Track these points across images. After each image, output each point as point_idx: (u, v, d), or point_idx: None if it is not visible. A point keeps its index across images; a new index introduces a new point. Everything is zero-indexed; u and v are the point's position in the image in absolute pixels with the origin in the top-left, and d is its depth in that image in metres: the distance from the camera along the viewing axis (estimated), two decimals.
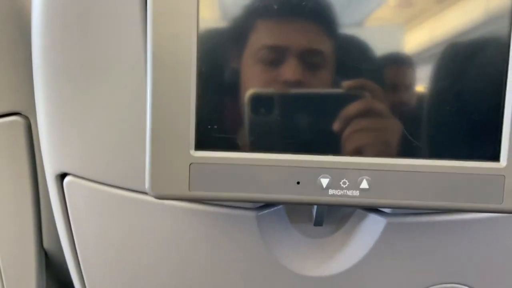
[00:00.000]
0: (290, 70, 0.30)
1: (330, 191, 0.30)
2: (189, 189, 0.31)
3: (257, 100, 0.31)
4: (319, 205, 0.31)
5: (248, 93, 0.30)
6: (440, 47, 0.30)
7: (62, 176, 0.40)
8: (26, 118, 0.45)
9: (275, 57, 0.30)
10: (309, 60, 0.30)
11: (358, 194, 0.30)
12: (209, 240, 0.41)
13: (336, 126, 0.30)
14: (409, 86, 0.30)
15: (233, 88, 0.31)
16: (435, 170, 0.30)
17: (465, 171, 0.30)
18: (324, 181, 0.30)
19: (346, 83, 0.30)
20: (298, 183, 0.31)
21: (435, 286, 0.43)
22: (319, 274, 0.43)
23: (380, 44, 0.30)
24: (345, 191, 0.30)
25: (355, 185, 0.30)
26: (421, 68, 0.30)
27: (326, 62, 0.30)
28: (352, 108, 0.30)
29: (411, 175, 0.30)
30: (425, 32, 0.30)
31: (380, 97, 0.30)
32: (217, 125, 0.31)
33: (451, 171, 0.30)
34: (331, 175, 0.30)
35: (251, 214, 0.40)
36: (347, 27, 0.30)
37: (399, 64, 0.30)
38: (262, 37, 0.30)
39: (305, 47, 0.30)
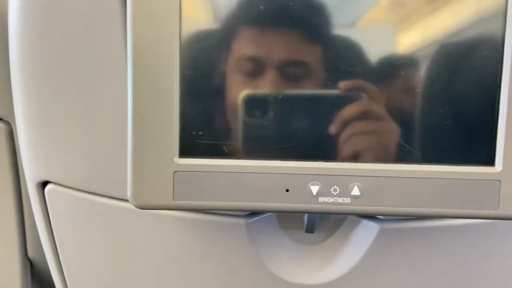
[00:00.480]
0: (268, 83, 0.29)
1: (321, 199, 0.29)
2: (173, 198, 0.30)
3: (245, 105, 0.29)
4: (309, 213, 0.30)
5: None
6: (433, 48, 0.29)
7: (44, 184, 0.38)
8: (7, 123, 0.44)
9: (254, 68, 0.29)
10: (290, 71, 0.29)
11: (350, 201, 0.29)
12: (196, 248, 0.40)
13: (323, 131, 0.29)
14: (401, 89, 0.29)
15: (218, 93, 0.29)
16: (429, 175, 0.29)
17: (459, 176, 0.29)
18: (314, 189, 0.29)
19: (341, 85, 0.29)
20: (287, 190, 0.29)
21: None
22: (311, 282, 0.42)
23: (372, 46, 0.29)
24: (335, 198, 0.29)
25: (346, 192, 0.29)
26: (414, 70, 0.29)
27: (309, 72, 0.29)
28: (345, 111, 0.29)
29: (404, 181, 0.29)
30: (418, 33, 0.29)
31: (372, 100, 0.29)
32: (202, 131, 0.30)
33: (445, 176, 0.29)
34: (321, 182, 0.29)
35: (240, 221, 0.38)
36: (339, 29, 0.28)
37: (391, 66, 0.29)
38: (242, 46, 0.29)
39: (286, 59, 0.29)
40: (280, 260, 0.41)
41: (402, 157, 0.29)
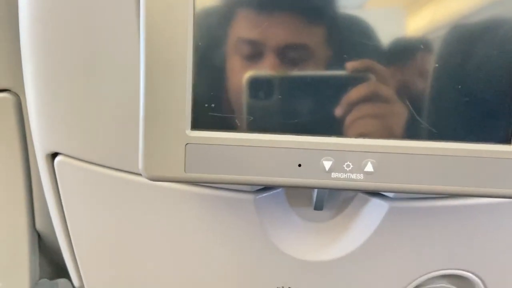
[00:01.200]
0: (268, 67, 0.28)
1: (333, 174, 0.29)
2: (184, 171, 0.29)
3: (254, 83, 0.29)
4: (321, 188, 0.30)
5: (246, 76, 0.29)
6: (449, 27, 0.28)
7: (53, 155, 0.38)
8: (16, 95, 0.43)
9: (253, 52, 0.28)
10: (290, 55, 0.28)
11: (363, 177, 0.29)
12: (204, 223, 0.40)
13: (339, 110, 0.29)
14: (415, 69, 0.28)
15: (231, 66, 0.29)
16: (444, 153, 0.29)
17: (474, 154, 0.29)
18: (327, 164, 0.29)
19: (349, 66, 0.28)
20: (299, 165, 0.29)
21: (436, 272, 0.43)
22: (318, 259, 0.42)
23: (383, 26, 0.28)
24: (348, 174, 0.29)
25: (359, 168, 0.29)
26: (429, 49, 0.28)
27: (311, 56, 0.28)
28: (356, 92, 0.29)
29: (418, 158, 0.29)
30: (432, 12, 0.28)
31: (385, 79, 0.28)
32: (214, 104, 0.29)
33: (460, 154, 0.29)
34: (334, 157, 0.29)
35: (249, 197, 0.38)
36: (346, 9, 0.28)
37: (406, 45, 0.28)
38: (241, 28, 0.28)
39: (285, 42, 0.28)
40: (287, 237, 0.41)
41: (416, 134, 0.29)
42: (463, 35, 0.28)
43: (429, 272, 0.43)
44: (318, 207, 0.39)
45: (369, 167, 0.29)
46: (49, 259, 0.57)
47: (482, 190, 0.29)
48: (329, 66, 0.29)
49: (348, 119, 0.29)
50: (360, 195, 0.40)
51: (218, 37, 0.28)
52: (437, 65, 0.28)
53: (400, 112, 0.29)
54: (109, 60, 0.34)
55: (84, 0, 0.32)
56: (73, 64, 0.34)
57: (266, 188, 0.39)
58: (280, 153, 0.29)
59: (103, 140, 0.36)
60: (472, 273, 0.42)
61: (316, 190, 0.37)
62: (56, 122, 0.36)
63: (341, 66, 0.28)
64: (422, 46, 0.28)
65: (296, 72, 0.29)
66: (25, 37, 0.34)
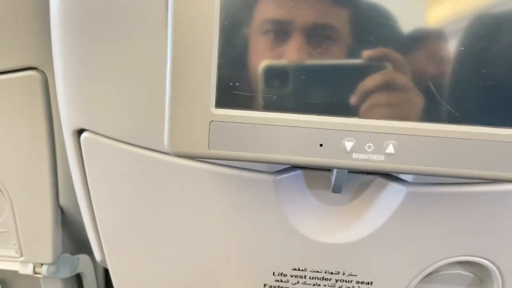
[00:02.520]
0: (294, 48, 0.29)
1: (354, 155, 0.29)
2: (208, 148, 0.30)
3: (278, 64, 0.29)
4: (342, 168, 0.30)
5: (270, 57, 0.29)
6: (472, 14, 0.28)
7: (80, 132, 0.39)
8: (42, 73, 0.44)
9: (278, 32, 0.28)
10: (315, 35, 0.28)
11: (383, 158, 0.29)
12: (224, 202, 0.41)
13: (361, 92, 0.29)
14: (439, 52, 0.28)
15: (256, 46, 0.29)
16: (465, 136, 0.29)
17: (495, 138, 0.29)
18: (348, 144, 0.29)
19: (367, 53, 0.28)
20: (321, 145, 0.30)
21: (452, 258, 0.43)
22: (335, 241, 0.42)
23: (405, 13, 0.28)
24: (369, 155, 0.29)
25: (380, 150, 0.29)
26: (453, 35, 0.28)
27: (335, 37, 0.28)
28: (379, 75, 0.29)
29: (439, 141, 0.29)
30: (453, 3, 0.28)
31: (408, 63, 0.28)
32: (238, 83, 0.30)
33: (481, 138, 0.29)
34: (356, 138, 0.29)
35: (269, 178, 0.39)
36: None
37: (432, 31, 0.28)
38: (267, 8, 0.28)
39: (310, 22, 0.28)
40: (305, 218, 0.42)
41: (438, 117, 0.29)
42: (486, 21, 0.28)
43: (445, 258, 0.43)
44: (336, 190, 0.39)
45: (390, 149, 0.29)
46: (71, 234, 0.59)
47: (501, 174, 0.29)
48: (352, 49, 0.29)
49: (371, 101, 0.29)
50: (378, 179, 0.40)
51: (244, 17, 0.29)
52: (461, 49, 0.28)
53: (422, 95, 0.29)
54: (136, 39, 0.34)
55: None
56: (101, 43, 0.35)
57: (285, 169, 0.40)
58: (302, 133, 0.30)
59: (128, 118, 0.37)
60: (488, 260, 0.42)
61: (335, 173, 0.37)
62: (83, 100, 0.37)
63: (364, 49, 0.29)
64: (446, 32, 0.28)
65: (319, 54, 0.29)
66: (55, 17, 0.35)
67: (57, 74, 0.38)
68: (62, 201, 0.52)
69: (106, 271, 0.74)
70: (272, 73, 0.29)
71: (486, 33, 0.28)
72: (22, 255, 0.55)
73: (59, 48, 0.36)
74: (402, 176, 0.39)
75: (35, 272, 0.56)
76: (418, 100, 0.29)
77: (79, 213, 0.49)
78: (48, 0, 0.37)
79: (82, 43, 0.35)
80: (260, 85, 0.30)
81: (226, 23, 0.29)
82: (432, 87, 0.29)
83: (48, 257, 0.55)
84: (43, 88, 0.45)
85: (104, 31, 0.34)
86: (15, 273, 0.57)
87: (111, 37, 0.34)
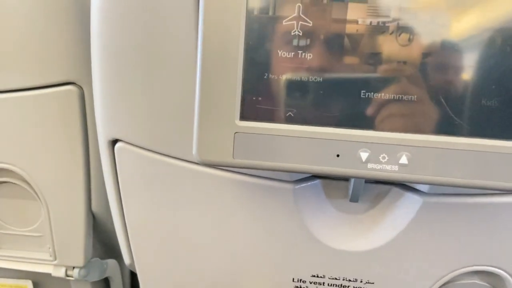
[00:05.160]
0: (316, 58, 0.31)
1: (369, 165, 0.31)
2: (233, 157, 0.32)
3: (297, 79, 0.32)
4: (358, 178, 0.32)
5: (283, 78, 0.32)
6: (484, 31, 0.29)
7: (114, 142, 0.42)
8: (80, 87, 0.48)
9: (302, 42, 0.31)
10: (338, 45, 0.30)
11: (397, 169, 0.31)
12: (247, 209, 0.43)
13: (376, 105, 0.31)
14: (452, 67, 0.30)
15: (277, 64, 0.32)
16: (476, 148, 0.30)
17: (506, 151, 0.30)
18: (364, 155, 0.31)
19: (383, 67, 0.30)
20: (337, 155, 0.32)
21: (468, 268, 0.44)
22: (353, 249, 0.44)
23: (421, 27, 0.30)
24: (384, 165, 0.31)
25: (394, 160, 0.31)
26: (463, 51, 0.30)
27: (359, 47, 0.30)
28: (392, 89, 0.31)
29: (451, 153, 0.31)
30: (472, 16, 0.29)
31: (421, 77, 0.30)
32: (261, 97, 0.32)
33: (492, 150, 0.30)
34: (371, 149, 0.31)
35: (288, 186, 0.41)
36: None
37: (445, 46, 0.30)
38: (288, 28, 0.31)
39: (331, 35, 0.30)
40: (323, 226, 0.44)
41: (450, 130, 0.31)
42: (501, 37, 0.30)
43: (461, 268, 0.44)
44: (354, 199, 0.41)
45: (403, 160, 0.31)
46: (101, 240, 0.62)
47: None
48: (369, 62, 0.31)
49: (385, 114, 0.31)
50: (395, 189, 0.41)
51: (267, 36, 0.31)
52: (473, 64, 0.30)
53: (435, 108, 0.31)
54: (168, 57, 0.37)
55: (150, 3, 0.36)
56: (136, 60, 0.38)
57: (305, 179, 0.42)
58: (320, 144, 0.32)
59: (159, 129, 0.40)
60: (503, 270, 0.43)
61: (352, 183, 0.39)
62: (118, 112, 0.40)
63: (381, 62, 0.31)
64: (460, 47, 0.30)
65: (335, 70, 0.31)
66: (95, 36, 0.39)
67: (95, 88, 0.41)
68: (94, 207, 0.55)
69: (132, 276, 0.77)
70: (292, 88, 0.32)
71: (499, 49, 0.30)
72: (55, 259, 0.58)
73: (98, 63, 0.39)
74: (418, 187, 0.40)
75: (66, 275, 0.59)
76: (431, 113, 0.31)
77: (109, 219, 0.52)
78: (86, 19, 0.40)
79: (119, 60, 0.38)
80: (281, 99, 0.32)
81: (250, 43, 0.31)
82: (444, 101, 0.31)
83: (79, 260, 0.58)
84: (79, 101, 0.48)
85: (138, 49, 0.38)
86: (48, 275, 0.60)
87: (146, 54, 0.38)
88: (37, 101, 0.48)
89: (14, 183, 0.54)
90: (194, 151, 0.33)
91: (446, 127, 0.31)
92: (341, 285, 0.47)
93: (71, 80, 0.48)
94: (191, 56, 0.37)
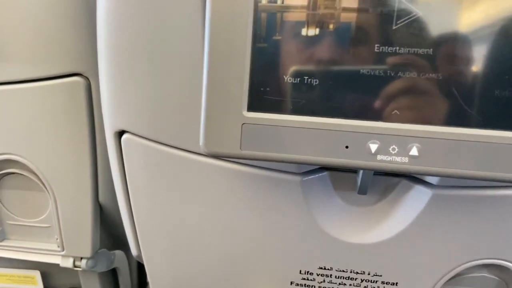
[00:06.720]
0: (325, 48, 0.30)
1: (379, 157, 0.31)
2: (240, 148, 0.32)
3: (300, 74, 0.31)
4: (367, 169, 0.32)
5: (292, 68, 0.31)
6: (495, 22, 0.29)
7: (120, 133, 0.42)
8: (86, 79, 0.48)
9: (311, 32, 0.30)
10: (347, 35, 0.30)
11: (407, 160, 0.31)
12: (254, 201, 0.43)
13: (386, 96, 0.30)
14: (464, 58, 0.30)
15: (284, 55, 0.31)
16: (487, 140, 0.30)
17: None
18: (373, 147, 0.31)
19: (393, 58, 0.30)
20: (346, 147, 0.31)
21: (477, 261, 0.43)
22: (360, 242, 0.43)
23: (432, 18, 0.29)
24: (393, 157, 0.31)
25: (404, 152, 0.30)
26: (474, 42, 0.29)
27: (369, 37, 0.30)
28: (403, 80, 0.30)
29: (462, 144, 0.30)
30: (485, 6, 0.29)
31: (432, 68, 0.30)
32: (269, 88, 0.32)
33: (504, 141, 0.30)
34: (380, 140, 0.31)
35: (296, 178, 0.41)
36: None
37: (456, 37, 0.29)
38: (296, 16, 0.30)
39: (341, 25, 0.30)
40: (331, 218, 0.43)
41: (461, 121, 0.30)
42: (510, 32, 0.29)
43: (470, 261, 0.43)
44: (362, 191, 0.40)
45: (414, 151, 0.30)
46: (108, 231, 0.62)
47: None
48: (378, 53, 0.30)
49: (395, 105, 0.31)
50: (404, 181, 0.41)
51: (274, 28, 0.31)
52: (485, 55, 0.29)
53: (446, 100, 0.30)
54: (175, 48, 0.37)
55: None
56: (143, 51, 0.38)
57: (312, 170, 0.41)
58: (328, 135, 0.31)
59: (165, 121, 0.40)
60: None
61: (360, 175, 0.39)
62: (125, 103, 0.40)
63: (391, 53, 0.30)
64: (471, 37, 0.29)
65: (345, 60, 0.31)
66: (101, 27, 0.38)
67: (102, 79, 0.41)
68: (101, 199, 0.55)
69: (139, 267, 0.78)
70: (301, 78, 0.31)
71: (508, 43, 0.29)
72: (63, 249, 0.58)
73: (105, 55, 0.39)
74: (427, 179, 0.40)
75: (74, 266, 0.60)
76: (442, 104, 0.30)
77: (116, 211, 0.52)
78: (92, 10, 0.40)
79: (126, 51, 0.38)
80: (289, 89, 0.32)
81: (258, 32, 0.31)
82: (456, 92, 0.30)
83: (87, 251, 0.58)
84: (86, 93, 0.48)
85: (146, 40, 0.37)
86: (56, 265, 0.60)
87: (153, 45, 0.37)
88: (43, 92, 0.48)
89: (22, 174, 0.55)
90: (201, 142, 0.32)
91: (457, 118, 0.30)
92: (349, 277, 0.47)
93: (78, 71, 0.47)
94: (198, 46, 0.36)
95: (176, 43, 0.37)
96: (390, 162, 0.31)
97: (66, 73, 0.47)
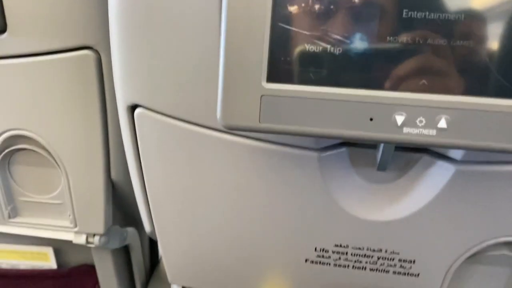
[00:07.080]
0: (349, 15, 0.29)
1: (405, 129, 0.29)
2: (259, 121, 0.31)
3: (323, 43, 0.29)
4: (393, 143, 0.30)
5: (313, 37, 0.29)
6: None
7: (133, 107, 0.41)
8: (96, 52, 0.46)
9: (327, 7, 0.28)
10: (362, 13, 0.28)
11: (435, 133, 0.29)
12: (270, 178, 0.42)
13: (413, 65, 0.29)
14: (494, 25, 0.28)
15: (305, 22, 0.30)
16: None
17: None
18: (399, 119, 0.29)
19: (421, 25, 0.28)
20: (371, 119, 0.30)
21: (498, 239, 0.42)
22: (378, 219, 0.43)
23: None
24: (421, 129, 0.29)
25: (432, 124, 0.29)
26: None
27: (383, 13, 0.28)
28: (431, 47, 0.28)
29: (493, 116, 0.29)
30: None
31: (463, 37, 0.28)
32: (289, 58, 0.30)
33: None
34: (407, 112, 0.29)
35: (313, 154, 0.40)
36: None
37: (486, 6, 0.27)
38: None
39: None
40: (349, 195, 0.42)
41: (493, 91, 0.29)
42: None
43: (491, 239, 0.42)
44: (382, 167, 0.39)
45: (442, 123, 0.29)
46: (120, 208, 0.62)
47: None
48: (402, 23, 0.29)
49: (423, 75, 0.29)
50: (425, 157, 0.40)
51: None
52: None
53: (476, 69, 0.29)
54: (190, 18, 0.35)
55: None
56: (156, 22, 0.36)
57: (330, 146, 0.40)
58: (352, 107, 0.30)
59: (180, 94, 0.38)
60: None
61: (381, 150, 0.38)
62: (137, 76, 0.39)
63: (416, 22, 0.28)
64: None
65: (367, 28, 0.29)
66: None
67: (113, 51, 0.39)
68: (113, 175, 0.54)
69: (151, 244, 0.78)
70: (323, 48, 0.30)
71: None
72: (76, 226, 0.58)
73: (116, 26, 0.38)
74: (451, 154, 0.38)
75: (87, 242, 0.60)
76: (473, 74, 0.29)
77: (129, 187, 0.52)
78: None
79: (138, 22, 0.37)
80: (311, 59, 0.30)
81: (278, 1, 0.29)
82: (488, 60, 0.28)
83: (99, 228, 0.58)
84: (97, 66, 0.47)
85: (159, 9, 0.36)
86: (68, 242, 0.60)
87: (166, 15, 0.36)
88: (53, 66, 0.47)
89: (34, 150, 0.54)
90: (218, 115, 0.31)
91: (489, 89, 0.29)
92: (365, 254, 0.46)
93: (88, 44, 0.46)
94: (215, 15, 0.34)
95: (192, 12, 0.35)
96: (417, 135, 0.29)
97: (76, 46, 0.46)
